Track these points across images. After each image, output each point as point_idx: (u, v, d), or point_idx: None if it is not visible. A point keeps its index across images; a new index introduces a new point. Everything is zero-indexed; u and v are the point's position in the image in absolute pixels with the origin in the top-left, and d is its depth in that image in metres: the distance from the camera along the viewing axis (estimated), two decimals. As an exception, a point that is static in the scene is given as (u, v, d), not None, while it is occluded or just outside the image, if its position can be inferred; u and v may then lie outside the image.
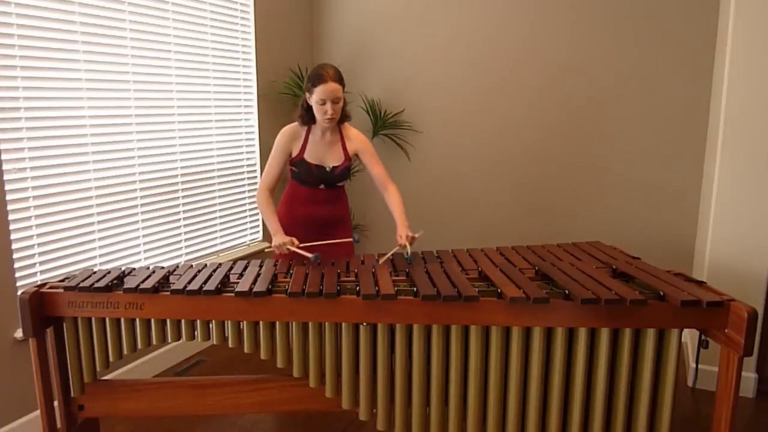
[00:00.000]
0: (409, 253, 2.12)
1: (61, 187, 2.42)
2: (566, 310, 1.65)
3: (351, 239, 2.39)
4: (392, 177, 3.85)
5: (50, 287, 1.88)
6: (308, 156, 2.34)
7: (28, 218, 2.30)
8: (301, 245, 2.17)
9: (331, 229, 2.44)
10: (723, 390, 1.66)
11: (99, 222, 2.60)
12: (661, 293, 1.65)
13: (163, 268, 2.09)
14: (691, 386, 2.80)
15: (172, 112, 2.93)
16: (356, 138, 2.40)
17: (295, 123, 2.36)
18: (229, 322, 1.84)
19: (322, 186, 2.37)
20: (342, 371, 1.81)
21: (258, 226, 3.65)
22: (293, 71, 3.75)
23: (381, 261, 2.09)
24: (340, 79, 2.23)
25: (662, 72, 3.14)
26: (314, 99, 2.22)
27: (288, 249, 2.15)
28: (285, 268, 2.07)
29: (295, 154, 2.35)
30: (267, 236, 3.69)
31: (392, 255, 2.15)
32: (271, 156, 2.35)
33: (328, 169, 2.34)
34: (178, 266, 2.12)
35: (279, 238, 2.17)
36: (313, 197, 2.39)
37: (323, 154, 2.35)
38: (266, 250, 2.55)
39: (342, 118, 2.35)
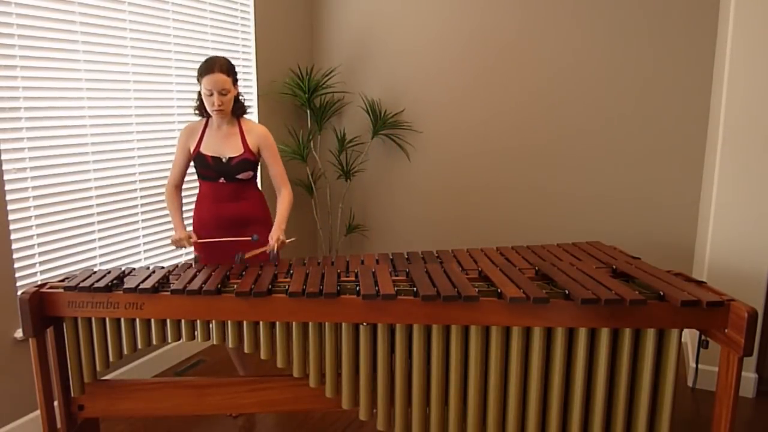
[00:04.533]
0: (274, 254, 2.18)
1: (61, 187, 2.42)
2: (566, 310, 1.65)
3: (249, 238, 2.26)
4: (392, 177, 3.88)
5: (50, 287, 1.89)
6: (204, 148, 2.31)
7: (28, 218, 2.30)
8: (200, 241, 2.26)
9: (240, 230, 2.35)
10: (723, 390, 1.66)
11: (99, 222, 2.60)
12: (661, 293, 1.65)
13: (163, 268, 2.09)
14: (691, 386, 2.80)
15: (172, 112, 2.93)
16: (257, 131, 2.34)
17: (195, 119, 2.38)
18: (229, 322, 1.84)
19: (222, 180, 2.31)
20: (342, 371, 1.81)
21: (258, 226, 3.65)
22: (293, 71, 3.75)
23: (247, 256, 2.17)
24: (228, 71, 2.21)
25: (662, 72, 3.14)
26: (202, 90, 2.23)
27: (185, 245, 2.22)
28: (285, 267, 2.07)
29: (193, 148, 2.33)
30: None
31: (258, 253, 2.21)
32: (174, 155, 2.40)
33: (224, 160, 2.29)
34: (178, 266, 2.12)
35: (177, 234, 2.25)
36: (217, 194, 2.33)
37: (220, 145, 2.31)
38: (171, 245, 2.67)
39: (237, 111, 2.33)
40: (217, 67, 2.18)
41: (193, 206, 3.08)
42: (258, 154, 2.34)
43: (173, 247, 2.50)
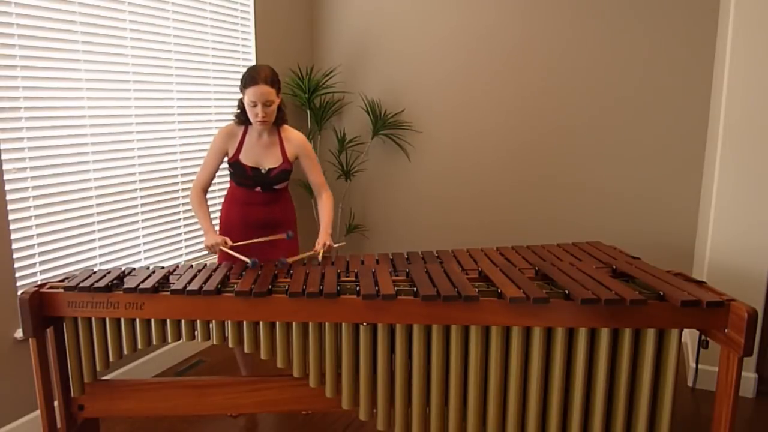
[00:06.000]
0: (320, 259, 2.16)
1: (61, 187, 2.42)
2: (566, 310, 1.65)
3: (284, 235, 2.28)
4: (392, 177, 3.89)
5: (50, 287, 1.88)
6: (243, 157, 2.29)
7: (28, 218, 2.30)
8: (234, 245, 2.20)
9: (268, 232, 2.37)
10: (723, 390, 1.66)
11: (99, 222, 2.60)
12: (661, 293, 1.65)
13: (163, 268, 2.09)
14: (691, 386, 2.80)
15: (172, 112, 2.93)
16: (296, 140, 2.35)
17: (233, 122, 2.34)
18: (229, 322, 1.84)
19: (258, 189, 2.32)
20: (342, 371, 1.81)
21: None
22: (293, 71, 3.75)
23: (291, 261, 2.12)
24: (273, 82, 2.19)
25: (662, 72, 3.14)
26: (246, 100, 2.20)
27: (221, 249, 2.17)
28: (284, 267, 2.07)
29: (231, 154, 2.30)
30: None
31: (305, 258, 2.19)
32: (206, 155, 2.35)
33: (263, 171, 2.29)
34: (178, 266, 2.12)
35: (210, 238, 2.19)
36: (249, 199, 2.34)
37: (259, 155, 2.30)
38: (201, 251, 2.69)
39: (279, 120, 2.31)
40: (262, 78, 2.16)
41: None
42: (294, 162, 2.36)
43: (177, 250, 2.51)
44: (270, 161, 2.30)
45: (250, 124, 2.29)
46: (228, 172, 2.38)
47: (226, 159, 2.34)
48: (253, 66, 2.22)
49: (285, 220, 2.42)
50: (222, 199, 2.56)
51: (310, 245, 4.18)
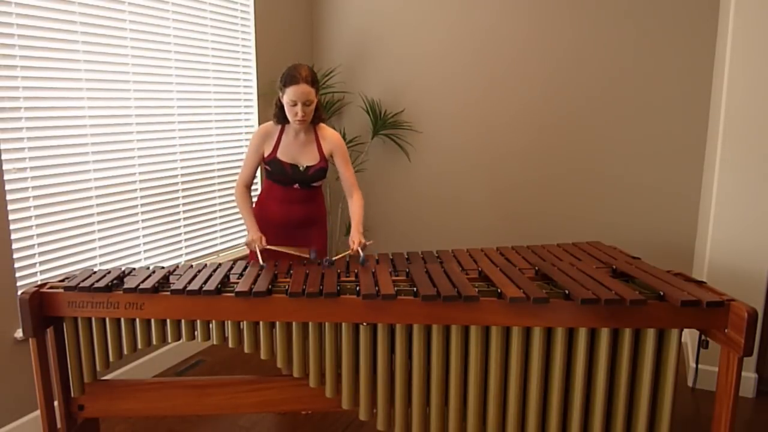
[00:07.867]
0: (362, 256, 2.13)
1: (61, 187, 2.42)
2: (566, 310, 1.65)
3: (308, 255, 2.21)
4: (392, 177, 3.89)
5: (50, 287, 1.88)
6: (281, 155, 2.32)
7: (28, 218, 2.30)
8: (267, 247, 2.21)
9: (304, 230, 2.43)
10: (723, 390, 1.66)
11: (99, 222, 2.60)
12: (661, 293, 1.65)
13: (163, 268, 2.09)
14: (691, 386, 2.80)
15: (172, 112, 2.93)
16: (332, 138, 2.37)
17: (270, 121, 2.36)
18: (229, 322, 1.84)
19: (296, 186, 2.36)
20: (342, 371, 1.81)
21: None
22: (293, 71, 3.75)
23: (335, 258, 2.13)
24: (312, 82, 2.20)
25: (662, 72, 3.14)
26: (285, 99, 2.21)
27: (258, 246, 2.20)
28: (285, 268, 2.07)
29: (268, 152, 2.33)
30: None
31: (347, 257, 2.20)
32: (246, 154, 2.38)
33: (302, 168, 2.32)
34: (178, 266, 2.12)
35: (251, 235, 2.24)
36: (286, 196, 2.37)
37: (297, 153, 2.33)
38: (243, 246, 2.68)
39: (316, 119, 2.33)
40: (303, 78, 2.17)
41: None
42: (330, 160, 2.38)
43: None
44: (307, 159, 2.34)
45: (288, 122, 2.31)
46: (262, 173, 2.40)
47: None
48: (293, 65, 2.23)
49: (319, 218, 2.48)
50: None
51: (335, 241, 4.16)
